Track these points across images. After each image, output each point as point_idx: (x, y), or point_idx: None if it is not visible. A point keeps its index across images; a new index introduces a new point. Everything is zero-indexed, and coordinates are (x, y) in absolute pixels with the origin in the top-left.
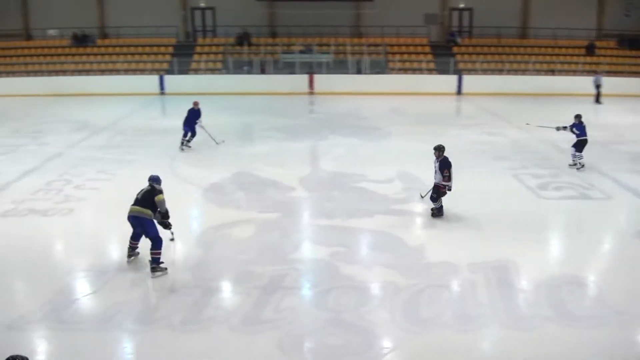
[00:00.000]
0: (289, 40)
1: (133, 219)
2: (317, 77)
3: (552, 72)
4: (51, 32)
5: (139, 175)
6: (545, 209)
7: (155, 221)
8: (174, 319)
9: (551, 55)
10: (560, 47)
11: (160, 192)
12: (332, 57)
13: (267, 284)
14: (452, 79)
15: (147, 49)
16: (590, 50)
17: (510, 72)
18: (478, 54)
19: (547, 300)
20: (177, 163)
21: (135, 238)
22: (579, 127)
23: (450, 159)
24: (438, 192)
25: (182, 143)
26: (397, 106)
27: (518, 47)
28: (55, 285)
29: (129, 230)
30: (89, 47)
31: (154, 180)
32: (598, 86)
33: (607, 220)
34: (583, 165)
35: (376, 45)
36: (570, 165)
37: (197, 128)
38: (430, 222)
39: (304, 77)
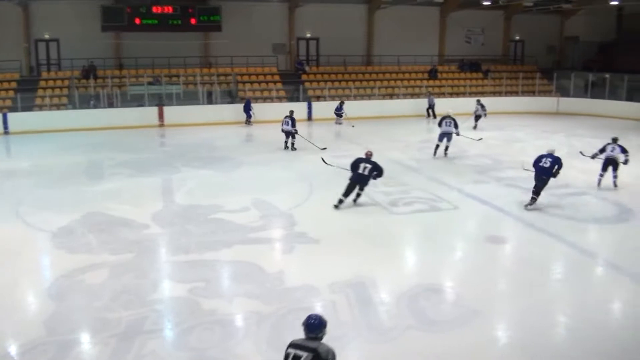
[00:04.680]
0: (137, 72)
1: None
2: (167, 109)
3: (396, 95)
4: None
5: None
6: (398, 223)
7: None
8: None
9: (395, 80)
10: (404, 73)
11: None
12: (181, 88)
13: (126, 330)
14: (302, 105)
15: None
16: (432, 74)
17: (357, 97)
18: (326, 81)
19: (408, 310)
20: (23, 208)
21: None
22: None
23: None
24: None
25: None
26: (251, 134)
27: (364, 73)
28: None
29: None
30: None
31: None
32: (431, 106)
33: (457, 228)
34: None
35: (226, 75)
36: None
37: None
38: (288, 248)
39: (154, 110)
